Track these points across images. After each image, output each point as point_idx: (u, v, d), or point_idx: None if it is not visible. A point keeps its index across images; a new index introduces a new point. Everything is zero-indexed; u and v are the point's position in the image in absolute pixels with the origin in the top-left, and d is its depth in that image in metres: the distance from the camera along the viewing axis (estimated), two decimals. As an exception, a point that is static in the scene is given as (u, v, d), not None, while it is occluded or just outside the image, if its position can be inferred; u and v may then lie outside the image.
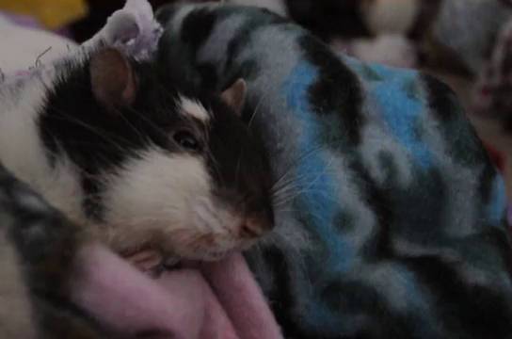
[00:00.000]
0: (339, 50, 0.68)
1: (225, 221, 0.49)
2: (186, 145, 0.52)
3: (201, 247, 0.50)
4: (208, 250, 0.50)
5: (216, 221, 0.49)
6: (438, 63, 3.62)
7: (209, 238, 0.49)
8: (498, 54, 2.95)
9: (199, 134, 0.52)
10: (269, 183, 0.55)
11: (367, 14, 4.08)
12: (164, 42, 0.73)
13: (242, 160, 0.52)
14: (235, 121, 0.58)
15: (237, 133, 0.55)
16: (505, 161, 1.86)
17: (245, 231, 0.49)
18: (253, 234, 0.50)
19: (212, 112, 0.55)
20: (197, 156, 0.51)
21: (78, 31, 2.26)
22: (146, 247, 0.52)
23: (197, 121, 0.53)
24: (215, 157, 0.51)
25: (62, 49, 0.67)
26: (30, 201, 0.43)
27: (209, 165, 0.51)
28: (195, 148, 0.52)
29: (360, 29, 4.05)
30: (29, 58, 0.65)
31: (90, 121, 0.50)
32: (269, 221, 0.51)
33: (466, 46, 3.33)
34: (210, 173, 0.50)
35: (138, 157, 0.49)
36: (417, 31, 4.06)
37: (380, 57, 3.77)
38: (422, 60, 3.85)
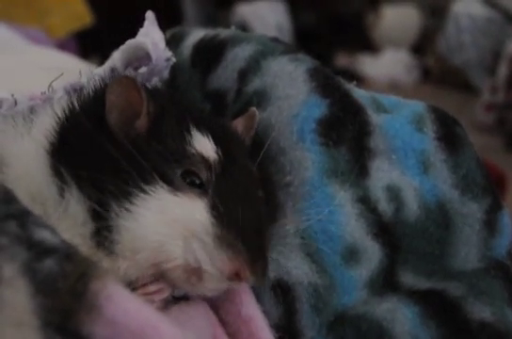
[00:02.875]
0: (348, 83, 0.68)
1: (220, 264, 0.49)
2: (192, 184, 0.52)
3: (192, 281, 0.51)
4: (198, 285, 0.51)
5: (207, 258, 0.49)
6: (441, 78, 3.64)
7: (198, 273, 0.50)
8: (502, 70, 2.97)
9: (205, 175, 0.53)
10: (267, 226, 0.55)
11: (372, 28, 4.11)
12: (174, 67, 0.74)
13: (243, 205, 0.52)
14: (242, 159, 0.58)
15: (242, 173, 0.56)
16: (509, 180, 1.87)
17: (236, 276, 0.50)
18: (242, 281, 0.51)
19: (220, 149, 0.55)
20: (201, 198, 0.52)
21: (84, 41, 2.28)
22: (155, 279, 0.52)
23: (205, 160, 0.53)
24: (219, 201, 0.51)
25: (74, 71, 0.68)
26: (44, 236, 0.43)
27: (213, 208, 0.51)
28: (200, 188, 0.52)
29: (365, 43, 4.08)
30: (41, 78, 0.66)
31: (99, 153, 0.50)
32: (263, 274, 0.51)
33: (470, 62, 3.35)
34: (214, 217, 0.51)
35: (146, 193, 0.50)
36: (421, 46, 4.09)
37: (384, 72, 3.80)
38: (426, 75, 3.87)
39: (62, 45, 1.96)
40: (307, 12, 4.10)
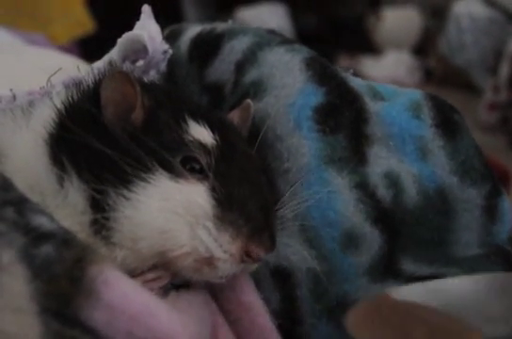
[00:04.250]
0: (345, 70, 0.69)
1: (226, 245, 0.50)
2: (192, 170, 0.52)
3: (204, 270, 0.51)
4: (211, 273, 0.51)
5: (217, 245, 0.49)
6: (444, 79, 3.62)
7: (210, 262, 0.50)
8: (504, 69, 2.95)
9: (204, 159, 0.53)
10: (272, 206, 0.56)
11: (373, 30, 4.10)
12: (171, 62, 0.75)
13: (245, 185, 0.53)
14: (240, 145, 0.58)
15: (242, 157, 0.56)
16: (512, 177, 1.86)
17: (247, 256, 0.50)
18: (255, 259, 0.51)
19: (218, 136, 0.55)
20: (202, 182, 0.52)
21: (86, 47, 2.29)
22: (154, 266, 0.52)
23: (203, 146, 0.54)
24: (219, 183, 0.52)
25: (72, 68, 0.68)
26: (41, 221, 0.44)
27: (213, 191, 0.51)
28: (200, 173, 0.53)
29: (366, 45, 4.08)
30: (40, 77, 0.66)
31: (99, 143, 0.50)
32: (271, 244, 0.51)
33: (472, 62, 3.34)
34: (214, 199, 0.51)
35: (146, 181, 0.50)
36: (423, 47, 4.08)
37: (386, 73, 3.78)
38: (428, 76, 3.86)
39: (64, 51, 1.97)
40: (308, 15, 4.11)
